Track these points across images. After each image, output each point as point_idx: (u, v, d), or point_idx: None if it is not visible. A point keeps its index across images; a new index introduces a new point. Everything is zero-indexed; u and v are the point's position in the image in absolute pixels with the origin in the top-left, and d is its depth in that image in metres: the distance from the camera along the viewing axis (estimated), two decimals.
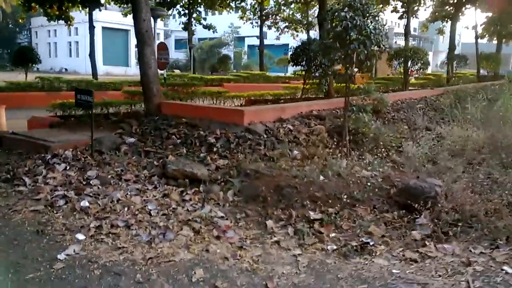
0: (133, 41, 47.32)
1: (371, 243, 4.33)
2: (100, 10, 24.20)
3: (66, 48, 45.40)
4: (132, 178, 5.86)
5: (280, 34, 38.65)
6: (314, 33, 37.07)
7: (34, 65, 20.52)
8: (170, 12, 25.47)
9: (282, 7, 34.41)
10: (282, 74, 33.46)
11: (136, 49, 8.63)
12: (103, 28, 41.93)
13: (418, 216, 4.89)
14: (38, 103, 15.93)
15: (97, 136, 7.47)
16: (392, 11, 23.53)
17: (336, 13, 6.85)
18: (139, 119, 8.32)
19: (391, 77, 21.79)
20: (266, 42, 58.68)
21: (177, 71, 35.76)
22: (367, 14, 6.84)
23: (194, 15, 25.83)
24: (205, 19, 26.59)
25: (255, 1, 30.95)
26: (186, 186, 5.79)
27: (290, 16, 36.25)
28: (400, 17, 22.25)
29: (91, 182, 5.54)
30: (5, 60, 50.74)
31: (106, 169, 6.10)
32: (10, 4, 39.67)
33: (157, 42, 14.62)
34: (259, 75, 27.45)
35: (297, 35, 39.33)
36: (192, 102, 10.37)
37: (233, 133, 7.20)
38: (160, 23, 50.13)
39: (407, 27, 19.22)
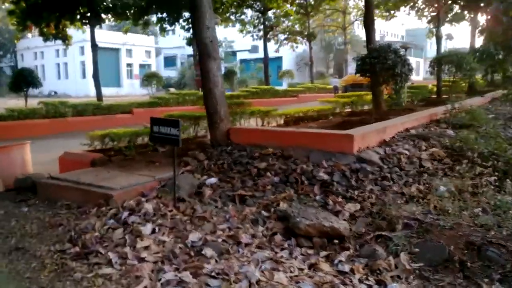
0: (124, 60, 45.62)
1: None
2: (100, 27, 22.46)
3: (54, 70, 43.31)
4: (249, 239, 4.19)
5: (279, 46, 37.49)
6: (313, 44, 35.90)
7: (35, 88, 18.63)
8: (172, 27, 23.86)
9: (282, 19, 33.17)
10: (281, 88, 31.92)
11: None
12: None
13: None
14: (43, 131, 14.19)
15: (160, 175, 5.82)
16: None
17: None
18: (205, 151, 6.67)
19: (416, 85, 20.53)
20: (258, 55, 57.95)
21: (172, 90, 34.13)
22: None
23: None
24: None
25: (257, 13, 29.68)
26: (324, 247, 4.16)
27: (289, 28, 35.05)
28: (429, 22, 21.10)
29: (202, 252, 3.85)
30: None
31: (206, 227, 4.42)
32: None
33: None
34: (267, 90, 25.97)
35: (296, 47, 38.30)
36: (264, 126, 8.65)
37: (344, 164, 5.60)
38: (149, 40, 48.60)
39: (438, 32, 18.01)
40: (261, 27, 32.12)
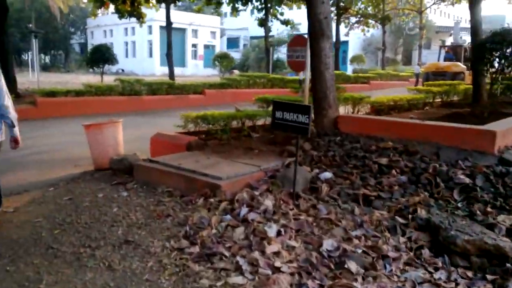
0: (189, 40, 45.80)
1: None
2: (175, 5, 22.29)
3: (123, 49, 44.21)
4: (394, 253, 3.52)
5: (349, 29, 35.98)
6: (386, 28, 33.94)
7: (111, 65, 18.77)
8: (244, 7, 23.31)
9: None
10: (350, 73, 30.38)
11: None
12: (161, 27, 40.42)
13: None
14: (119, 108, 14.16)
15: (265, 165, 5.26)
16: None
17: None
18: (310, 140, 6.02)
19: None
20: None
21: (236, 72, 33.70)
22: None
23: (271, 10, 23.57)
24: (282, 14, 24.19)
25: None
26: (484, 269, 3.42)
27: (362, 10, 33.41)
28: None
29: (345, 265, 3.24)
30: (61, 60, 50.47)
31: (336, 232, 3.79)
32: (67, 4, 38.91)
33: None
34: (339, 75, 24.84)
35: (368, 31, 36.57)
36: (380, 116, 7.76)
37: (486, 166, 4.76)
38: (215, 20, 48.44)
39: None
40: (333, 8, 30.86)
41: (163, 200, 4.77)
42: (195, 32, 45.50)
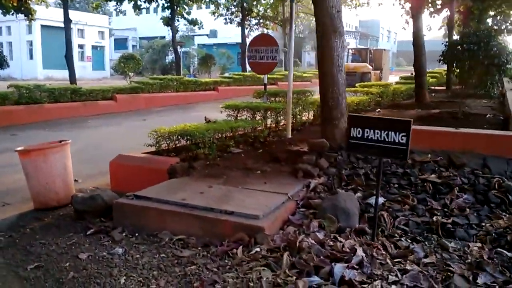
0: (75, 41, 41.60)
1: None
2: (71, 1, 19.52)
3: None
4: None
5: (249, 31, 35.67)
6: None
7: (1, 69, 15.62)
8: (148, 5, 21.47)
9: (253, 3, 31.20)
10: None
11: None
12: (42, 26, 36.06)
13: None
14: (18, 120, 11.81)
15: (290, 191, 4.23)
16: None
17: None
18: (323, 155, 5.05)
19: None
20: (216, 41, 55.65)
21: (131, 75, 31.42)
22: None
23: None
24: (189, 13, 22.78)
25: None
26: None
27: (262, 13, 33.28)
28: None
29: None
30: None
31: (457, 281, 2.89)
32: None
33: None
34: (250, 76, 24.27)
35: (267, 32, 36.67)
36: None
37: None
38: (103, 20, 44.98)
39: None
40: (234, 10, 30.32)
41: (182, 255, 3.43)
42: (81, 31, 41.54)
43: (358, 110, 10.36)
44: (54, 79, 33.62)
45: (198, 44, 55.17)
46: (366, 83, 14.90)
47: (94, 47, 43.68)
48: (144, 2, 21.12)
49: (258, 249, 3.34)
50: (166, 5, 20.96)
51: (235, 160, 5.45)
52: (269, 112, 6.81)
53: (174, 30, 21.66)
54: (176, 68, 21.92)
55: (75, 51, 41.40)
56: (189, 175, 4.89)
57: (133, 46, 60.24)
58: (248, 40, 33.90)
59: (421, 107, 10.24)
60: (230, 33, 50.96)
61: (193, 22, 22.66)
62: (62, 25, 39.34)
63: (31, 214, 4.79)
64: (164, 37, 53.63)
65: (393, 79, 31.82)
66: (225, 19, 30.68)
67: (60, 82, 20.57)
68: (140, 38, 60.20)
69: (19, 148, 4.90)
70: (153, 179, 4.85)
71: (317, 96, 9.33)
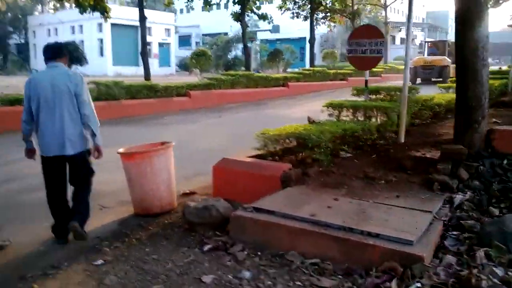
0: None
1: None
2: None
3: None
4: None
5: (316, 25, 34.75)
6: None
7: (80, 66, 16.03)
8: (219, 1, 21.24)
9: None
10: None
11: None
12: (112, 24, 37.18)
13: None
14: (99, 115, 11.82)
15: (429, 207, 3.55)
16: None
17: None
18: (461, 163, 4.33)
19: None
20: (279, 36, 55.08)
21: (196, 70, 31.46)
22: None
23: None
24: (258, 8, 22.33)
25: None
26: None
27: (329, 6, 32.19)
28: None
29: None
30: None
31: None
32: (4, 1, 34.79)
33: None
34: (319, 71, 23.50)
35: (334, 26, 35.62)
36: None
37: None
38: (169, 17, 45.79)
39: None
40: (300, 2, 29.52)
41: (322, 286, 2.89)
42: (148, 29, 42.50)
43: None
44: (124, 75, 34.58)
45: (261, 40, 54.91)
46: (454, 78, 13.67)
47: (160, 45, 44.66)
48: None
49: (419, 285, 2.72)
50: (236, 0, 20.61)
51: (349, 166, 4.84)
52: (375, 111, 6.12)
53: (244, 26, 21.28)
54: (246, 64, 21.54)
55: None
56: (304, 183, 4.35)
57: (197, 42, 61.17)
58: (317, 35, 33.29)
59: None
60: (292, 28, 50.32)
61: (264, 17, 22.18)
62: (131, 23, 40.67)
63: (132, 220, 4.48)
64: (227, 33, 53.97)
65: None
66: (292, 13, 29.96)
67: (131, 79, 20.87)
68: (203, 34, 60.95)
69: (121, 150, 4.60)
70: (263, 186, 4.35)
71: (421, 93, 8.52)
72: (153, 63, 43.47)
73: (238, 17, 21.13)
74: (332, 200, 3.82)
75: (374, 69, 23.90)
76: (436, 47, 24.15)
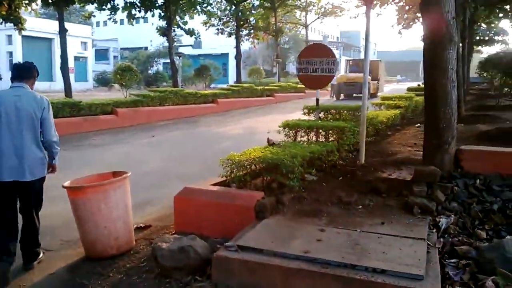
0: (57, 51, 40.09)
1: None
2: (67, 9, 18.31)
3: None
4: None
5: (239, 42, 35.00)
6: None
7: None
8: (144, 15, 20.45)
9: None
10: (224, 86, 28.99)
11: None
12: (23, 36, 34.45)
13: None
14: None
15: (417, 234, 3.44)
16: None
17: None
18: (434, 184, 4.28)
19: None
20: (201, 51, 54.81)
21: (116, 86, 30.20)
22: None
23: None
24: (185, 23, 21.87)
25: (228, 5, 27.06)
26: None
27: (253, 23, 32.63)
28: None
29: None
30: None
31: None
32: None
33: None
34: (247, 88, 23.49)
35: (257, 43, 36.04)
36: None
37: None
38: (86, 30, 43.65)
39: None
40: (225, 19, 29.59)
41: None
42: None
43: (390, 127, 9.72)
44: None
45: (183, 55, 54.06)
46: (387, 95, 14.31)
47: (76, 58, 42.21)
48: (139, 11, 20.12)
49: None
50: (162, 14, 20.00)
51: (319, 190, 4.61)
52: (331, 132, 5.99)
53: (171, 41, 20.70)
54: (173, 79, 20.87)
55: (57, 62, 39.90)
56: (279, 213, 4.03)
57: (115, 56, 59.01)
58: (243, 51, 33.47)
59: (462, 122, 9.59)
60: (214, 44, 50.31)
61: (191, 33, 21.70)
62: (43, 35, 37.93)
63: (85, 265, 3.84)
64: (147, 47, 52.53)
65: (386, 89, 31.68)
66: (217, 29, 29.88)
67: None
68: (121, 48, 58.91)
69: (67, 184, 3.96)
70: (235, 217, 3.99)
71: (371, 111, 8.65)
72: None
73: (164, 32, 20.51)
74: (319, 232, 3.54)
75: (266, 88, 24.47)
76: (357, 65, 25.38)
